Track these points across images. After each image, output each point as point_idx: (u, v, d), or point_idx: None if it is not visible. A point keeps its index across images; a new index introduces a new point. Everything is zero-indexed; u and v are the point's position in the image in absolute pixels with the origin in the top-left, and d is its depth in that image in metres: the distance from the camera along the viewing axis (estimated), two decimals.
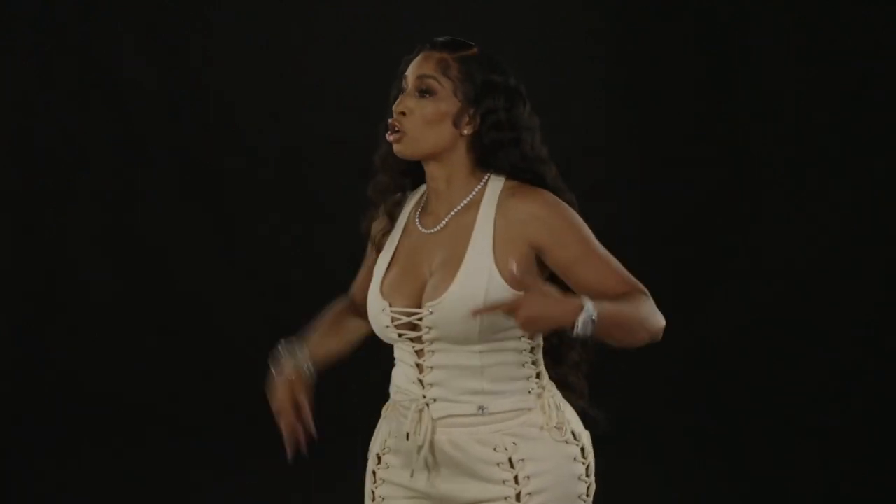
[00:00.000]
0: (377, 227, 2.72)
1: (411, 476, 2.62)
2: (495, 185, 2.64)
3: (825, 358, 4.87)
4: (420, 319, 2.56)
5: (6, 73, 4.81)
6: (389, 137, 2.59)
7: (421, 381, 2.60)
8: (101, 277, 4.86)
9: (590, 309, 2.40)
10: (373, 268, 2.69)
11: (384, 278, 2.64)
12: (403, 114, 2.58)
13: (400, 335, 2.59)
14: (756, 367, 4.88)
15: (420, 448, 2.59)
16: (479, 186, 2.63)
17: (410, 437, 2.59)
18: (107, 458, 4.84)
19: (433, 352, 2.58)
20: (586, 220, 2.71)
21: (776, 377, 4.88)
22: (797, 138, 4.85)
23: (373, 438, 2.73)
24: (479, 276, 2.53)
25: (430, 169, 2.62)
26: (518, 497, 2.59)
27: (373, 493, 2.70)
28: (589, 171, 4.85)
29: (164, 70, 4.83)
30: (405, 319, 2.58)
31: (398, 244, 2.67)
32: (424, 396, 2.60)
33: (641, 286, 2.62)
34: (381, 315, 2.60)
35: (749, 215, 4.86)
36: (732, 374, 4.87)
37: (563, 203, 2.65)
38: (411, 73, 2.61)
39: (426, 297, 2.56)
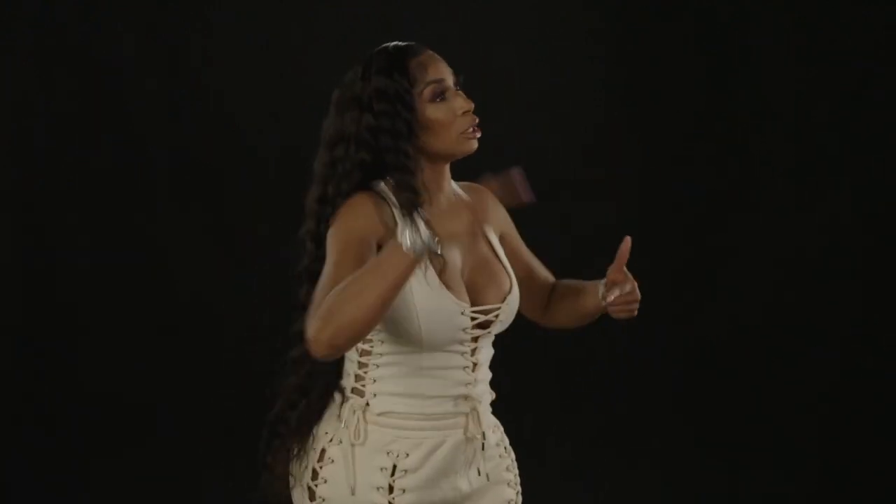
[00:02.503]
0: (372, 227, 2.54)
1: (461, 483, 2.62)
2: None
3: (825, 358, 4.87)
4: (496, 315, 2.62)
5: (6, 73, 4.80)
6: (478, 135, 2.61)
7: (475, 381, 2.64)
8: (102, 277, 4.85)
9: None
10: None
11: (441, 280, 2.56)
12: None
13: (473, 336, 2.61)
14: (756, 367, 4.88)
15: (478, 448, 2.64)
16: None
17: (458, 441, 2.60)
18: (107, 458, 4.84)
19: (480, 348, 2.64)
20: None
21: (776, 377, 4.88)
22: (797, 138, 4.85)
23: (355, 481, 2.58)
24: (507, 264, 2.72)
25: (447, 168, 2.67)
26: (514, 462, 2.76)
27: None
28: (589, 171, 4.86)
29: (164, 70, 4.83)
30: (482, 318, 2.61)
31: None
32: (477, 395, 2.64)
33: None
34: (457, 318, 2.57)
35: (749, 215, 4.86)
36: (732, 374, 4.87)
37: None
38: (446, 74, 2.62)
39: (490, 294, 2.62)
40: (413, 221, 2.44)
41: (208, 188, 4.86)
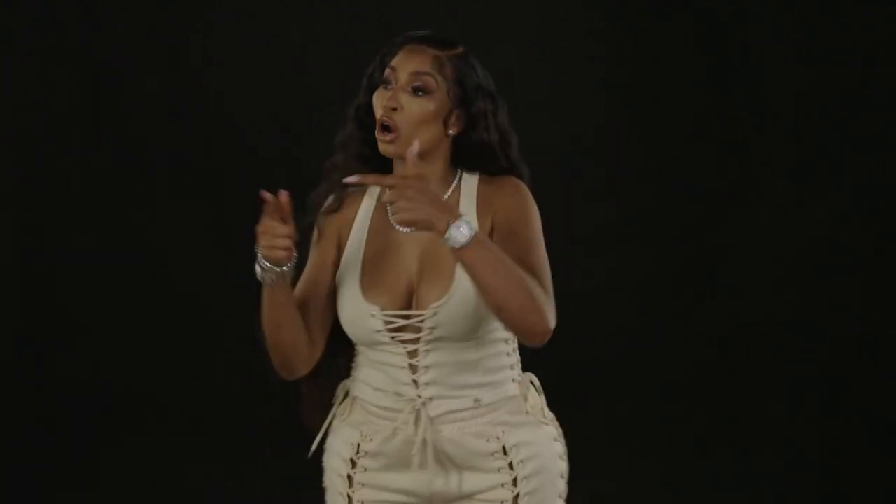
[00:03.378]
0: (332, 219, 2.64)
1: (428, 481, 2.60)
2: (470, 181, 2.63)
3: (825, 358, 4.87)
4: (422, 321, 2.53)
5: (6, 73, 4.80)
6: (384, 137, 2.52)
7: (415, 382, 2.57)
8: (102, 277, 4.85)
9: (470, 224, 2.35)
10: (325, 265, 2.63)
11: (361, 280, 2.58)
12: (394, 109, 2.53)
13: (392, 337, 2.55)
14: (756, 365, 4.88)
15: (420, 446, 2.57)
16: (455, 184, 2.60)
17: (408, 437, 2.57)
18: (107, 458, 4.84)
19: (429, 351, 2.56)
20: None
21: (776, 375, 4.88)
22: (797, 138, 4.85)
23: (332, 444, 2.68)
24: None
25: (402, 165, 2.55)
26: (514, 482, 2.61)
27: (349, 497, 2.65)
28: (589, 171, 4.86)
29: (164, 70, 4.83)
30: (402, 322, 2.54)
31: (366, 242, 2.62)
32: (420, 396, 2.57)
33: (550, 295, 2.55)
34: (368, 320, 2.55)
35: (749, 214, 4.86)
36: (732, 373, 4.87)
37: (531, 198, 2.66)
38: (402, 67, 2.54)
39: (426, 299, 2.53)
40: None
41: (208, 188, 4.86)
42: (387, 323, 2.54)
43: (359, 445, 2.63)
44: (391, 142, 2.53)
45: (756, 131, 4.85)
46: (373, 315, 2.55)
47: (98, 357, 4.86)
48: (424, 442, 2.57)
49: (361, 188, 2.64)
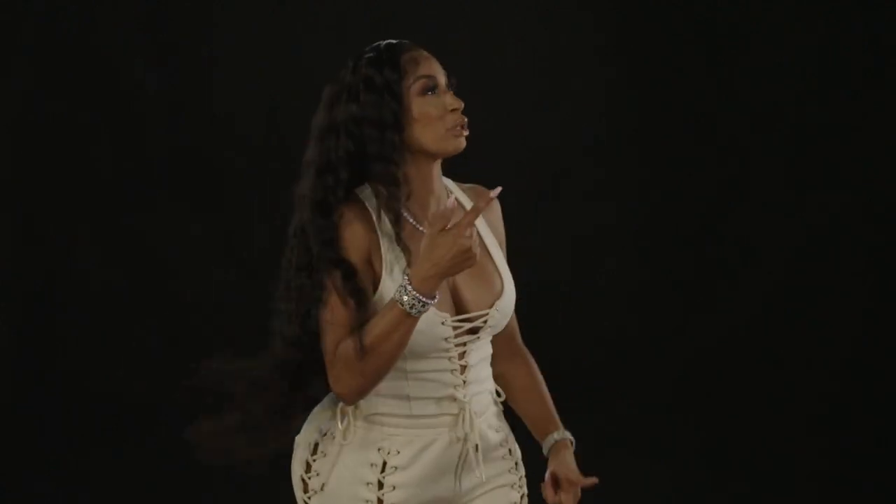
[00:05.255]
0: (367, 238, 2.56)
1: (457, 483, 2.62)
2: (451, 185, 2.70)
3: (826, 358, 4.87)
4: (485, 321, 2.60)
5: (6, 73, 4.80)
6: (466, 133, 2.56)
7: (464, 382, 2.61)
8: (102, 277, 4.85)
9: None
10: (376, 286, 2.55)
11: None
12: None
13: (457, 343, 2.58)
14: (756, 367, 4.88)
15: (470, 446, 2.61)
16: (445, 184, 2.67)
17: (450, 440, 2.60)
18: (107, 458, 4.84)
19: (469, 352, 2.61)
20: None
21: (776, 377, 4.88)
22: (797, 138, 4.85)
23: (341, 474, 2.61)
24: (506, 265, 2.66)
25: (437, 167, 2.61)
26: (517, 465, 2.73)
27: None
28: (589, 171, 4.86)
29: (164, 70, 4.83)
30: (468, 326, 2.59)
31: (399, 254, 2.56)
32: (465, 396, 2.61)
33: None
34: (437, 328, 2.55)
35: (749, 215, 4.86)
36: (732, 373, 4.87)
37: None
38: (437, 72, 2.58)
39: (478, 299, 2.59)
40: (402, 272, 2.49)
41: (208, 188, 4.86)
42: (455, 328, 2.57)
43: (384, 464, 2.59)
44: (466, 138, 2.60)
45: (756, 131, 4.85)
46: (443, 323, 2.56)
47: (98, 357, 4.87)
48: (468, 439, 2.61)
49: (358, 202, 2.59)
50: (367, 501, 2.59)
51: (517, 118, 4.79)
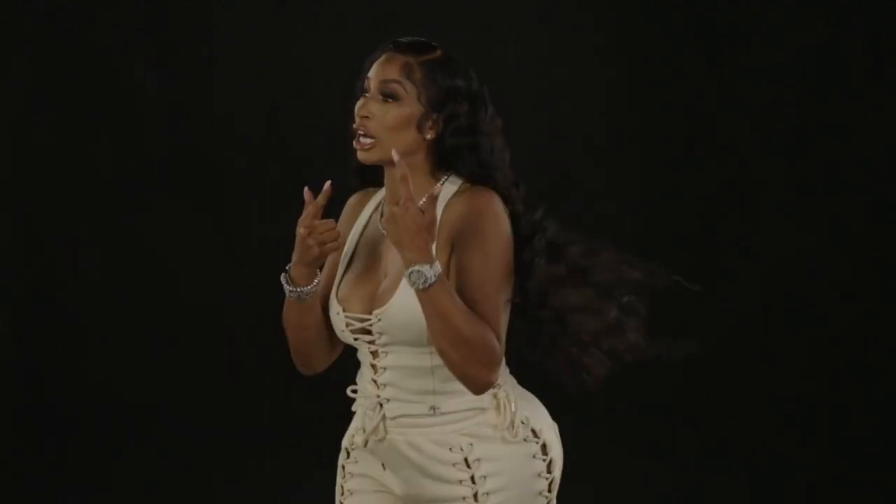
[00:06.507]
0: (343, 221, 2.75)
1: (384, 469, 2.66)
2: (449, 187, 2.61)
3: (825, 358, 4.87)
4: (370, 326, 2.59)
5: (6, 73, 4.80)
6: (358, 145, 2.57)
7: (375, 382, 2.63)
8: (102, 277, 4.85)
9: (432, 271, 2.43)
10: (333, 268, 2.71)
11: (340, 281, 2.68)
12: (366, 118, 2.56)
13: (356, 338, 2.63)
14: (756, 368, 4.88)
15: (380, 445, 2.64)
16: (437, 188, 2.52)
17: (369, 435, 2.64)
18: (107, 458, 4.84)
19: (386, 353, 2.61)
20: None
21: (776, 377, 4.88)
22: (797, 138, 4.85)
23: (346, 435, 2.77)
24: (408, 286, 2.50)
25: (389, 172, 2.60)
26: (476, 497, 2.60)
27: (342, 486, 2.74)
28: (589, 172, 4.85)
29: (164, 70, 4.83)
30: (358, 325, 2.61)
31: (356, 246, 2.70)
32: (378, 396, 2.63)
33: (499, 336, 2.54)
34: (336, 318, 2.65)
35: (749, 216, 4.85)
36: (732, 374, 4.87)
37: (499, 214, 2.59)
38: (374, 76, 2.58)
39: (375, 304, 2.59)
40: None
41: (208, 188, 4.86)
42: (347, 324, 2.63)
43: (353, 436, 2.72)
44: (368, 149, 2.58)
45: (756, 131, 4.85)
46: (338, 314, 2.64)
47: (98, 357, 4.87)
48: (383, 440, 2.64)
49: (371, 191, 2.73)
50: (340, 466, 2.75)
51: (517, 118, 4.78)
